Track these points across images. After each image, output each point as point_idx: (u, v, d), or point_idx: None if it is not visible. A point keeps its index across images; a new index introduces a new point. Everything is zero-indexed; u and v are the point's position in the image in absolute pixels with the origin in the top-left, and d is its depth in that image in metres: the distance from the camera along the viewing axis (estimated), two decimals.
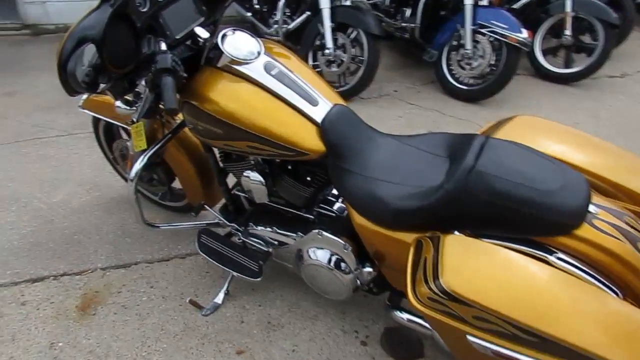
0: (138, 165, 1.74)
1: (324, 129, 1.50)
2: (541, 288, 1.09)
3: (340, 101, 1.60)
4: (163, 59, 1.35)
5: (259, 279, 1.84)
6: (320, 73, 3.67)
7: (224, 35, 1.54)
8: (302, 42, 3.73)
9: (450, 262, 1.15)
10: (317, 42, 3.59)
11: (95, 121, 2.26)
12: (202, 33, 1.60)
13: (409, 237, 1.37)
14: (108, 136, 2.31)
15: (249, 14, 4.44)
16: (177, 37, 1.56)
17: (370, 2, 4.15)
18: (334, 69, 3.59)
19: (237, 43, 1.55)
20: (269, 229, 1.83)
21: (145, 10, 1.47)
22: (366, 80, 3.57)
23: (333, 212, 1.71)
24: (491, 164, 1.24)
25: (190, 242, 2.21)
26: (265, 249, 1.86)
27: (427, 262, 1.21)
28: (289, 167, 1.71)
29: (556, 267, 1.17)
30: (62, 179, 2.65)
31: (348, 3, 3.61)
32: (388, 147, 1.54)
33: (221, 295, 1.95)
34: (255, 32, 4.46)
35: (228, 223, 1.92)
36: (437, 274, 1.14)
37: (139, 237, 2.27)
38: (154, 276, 2.07)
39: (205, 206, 2.00)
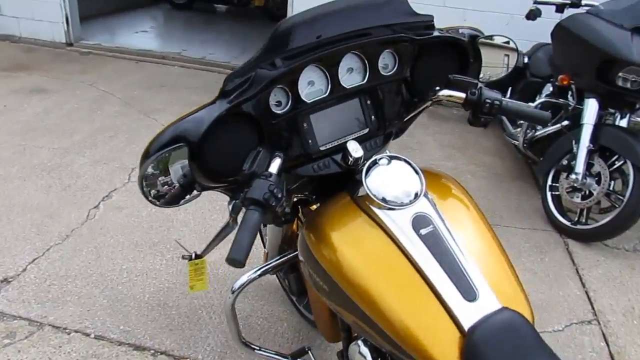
0: (244, 279, 1.42)
1: (469, 341, 0.92)
2: None
3: (518, 305, 0.99)
4: (258, 187, 0.95)
5: None
6: (558, 198, 2.91)
7: (374, 162, 1.10)
8: (546, 155, 3.02)
9: None
10: (565, 162, 2.84)
11: None
12: (355, 150, 1.13)
13: None
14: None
15: None
16: (322, 148, 1.18)
17: None
18: (577, 199, 2.77)
19: (388, 177, 1.08)
20: None
21: (282, 112, 1.12)
22: (620, 225, 2.63)
23: None
24: None
25: None
26: None
27: None
28: None
29: None
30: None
31: (623, 123, 2.78)
32: None
33: None
34: (501, 129, 3.96)
35: None
36: None
37: (258, 335, 1.95)
38: None
39: (309, 352, 1.56)
